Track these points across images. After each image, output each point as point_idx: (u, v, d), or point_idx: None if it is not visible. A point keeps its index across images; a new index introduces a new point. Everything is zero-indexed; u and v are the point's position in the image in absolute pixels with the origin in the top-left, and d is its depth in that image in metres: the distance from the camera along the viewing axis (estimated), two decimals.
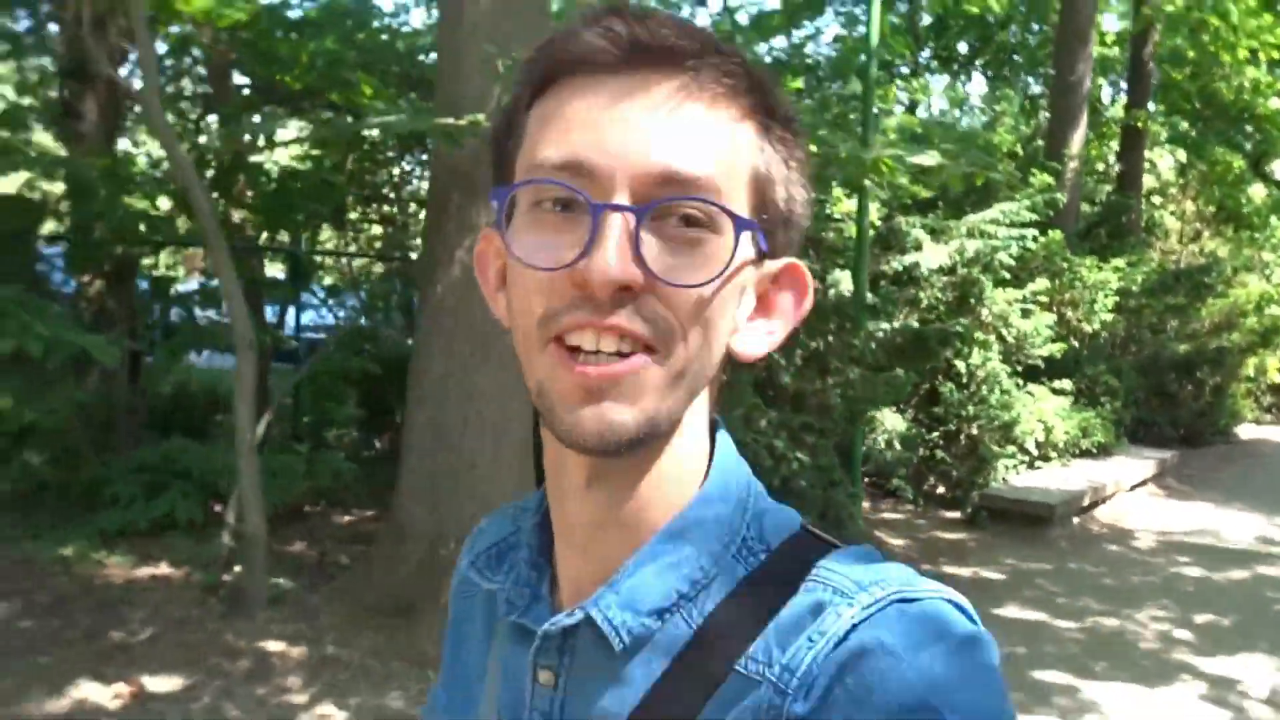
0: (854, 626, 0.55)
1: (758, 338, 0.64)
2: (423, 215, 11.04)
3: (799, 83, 8.70)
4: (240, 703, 3.54)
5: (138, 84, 8.17)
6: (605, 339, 0.56)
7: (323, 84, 7.06)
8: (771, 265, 0.64)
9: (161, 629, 4.07)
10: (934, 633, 0.55)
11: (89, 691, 3.54)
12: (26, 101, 6.91)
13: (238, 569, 4.56)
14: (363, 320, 8.86)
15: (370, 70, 7.56)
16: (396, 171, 9.71)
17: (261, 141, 5.48)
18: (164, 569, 4.84)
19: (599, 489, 0.62)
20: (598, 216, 0.55)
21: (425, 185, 10.45)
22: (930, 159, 3.59)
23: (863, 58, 13.88)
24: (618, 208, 0.56)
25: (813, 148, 3.91)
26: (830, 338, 5.45)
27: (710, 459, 0.65)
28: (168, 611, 4.25)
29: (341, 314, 8.81)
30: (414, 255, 9.79)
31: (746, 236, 0.59)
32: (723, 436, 0.67)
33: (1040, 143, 13.49)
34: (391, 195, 9.86)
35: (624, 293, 0.56)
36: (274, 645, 3.94)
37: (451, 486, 4.20)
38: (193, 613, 4.24)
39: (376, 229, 10.27)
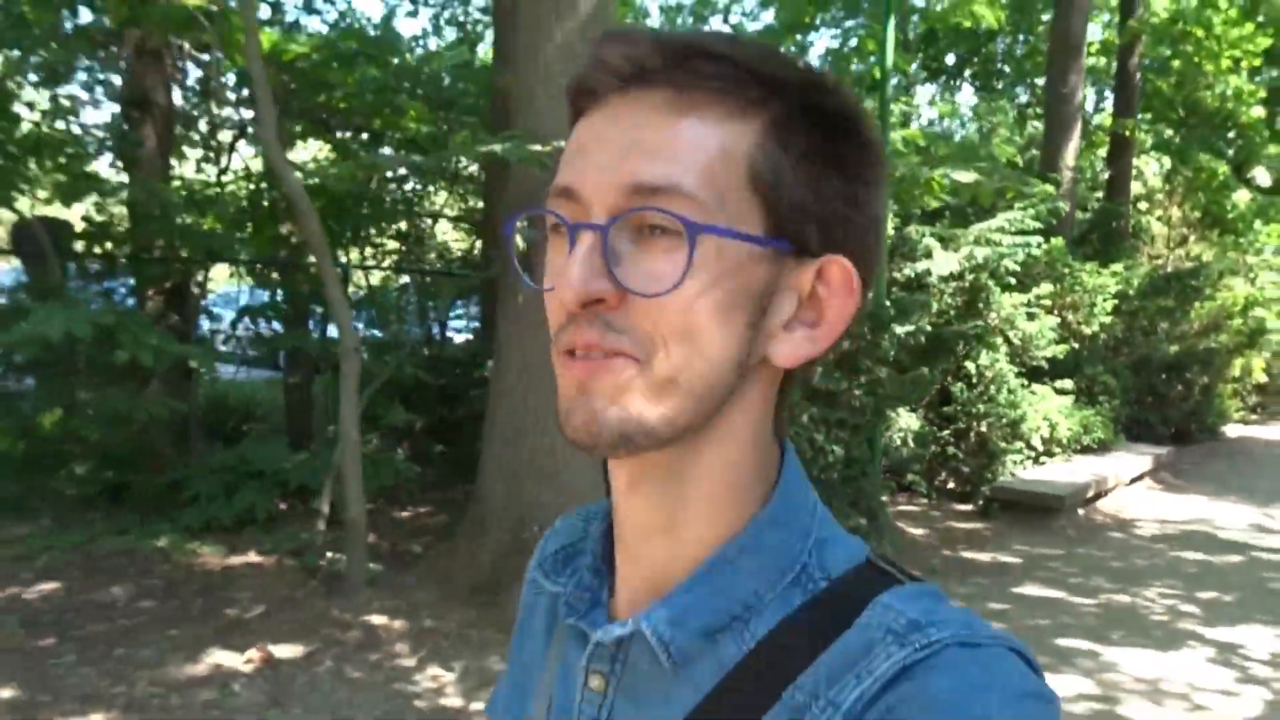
0: (904, 669, 0.54)
1: (795, 343, 0.62)
2: (438, 229, 11.59)
3: None
4: (358, 666, 3.96)
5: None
6: (591, 354, 0.58)
7: (369, 109, 7.48)
8: (812, 264, 0.62)
9: (272, 607, 4.48)
10: (990, 681, 0.53)
11: (222, 658, 3.95)
12: (97, 131, 7.26)
13: (329, 554, 4.98)
14: (377, 332, 9.15)
15: (405, 93, 8.01)
16: (409, 187, 10.13)
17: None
18: (254, 557, 5.24)
19: (639, 494, 0.64)
20: (573, 236, 0.58)
21: (438, 200, 11.02)
22: (968, 176, 4.02)
23: (857, 65, 14.44)
24: (587, 226, 0.58)
25: None
26: (860, 340, 5.90)
27: (776, 483, 0.65)
28: (273, 592, 4.66)
29: (360, 325, 9.18)
30: (427, 269, 10.28)
31: (723, 241, 0.58)
32: (791, 459, 0.67)
33: (1035, 152, 14.03)
34: (404, 210, 10.21)
35: (598, 306, 0.58)
36: (377, 619, 4.36)
37: (531, 474, 4.62)
38: (296, 593, 4.65)
39: (392, 244, 10.64)
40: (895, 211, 8.15)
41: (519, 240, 4.40)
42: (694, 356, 0.58)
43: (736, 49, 0.59)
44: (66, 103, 8.18)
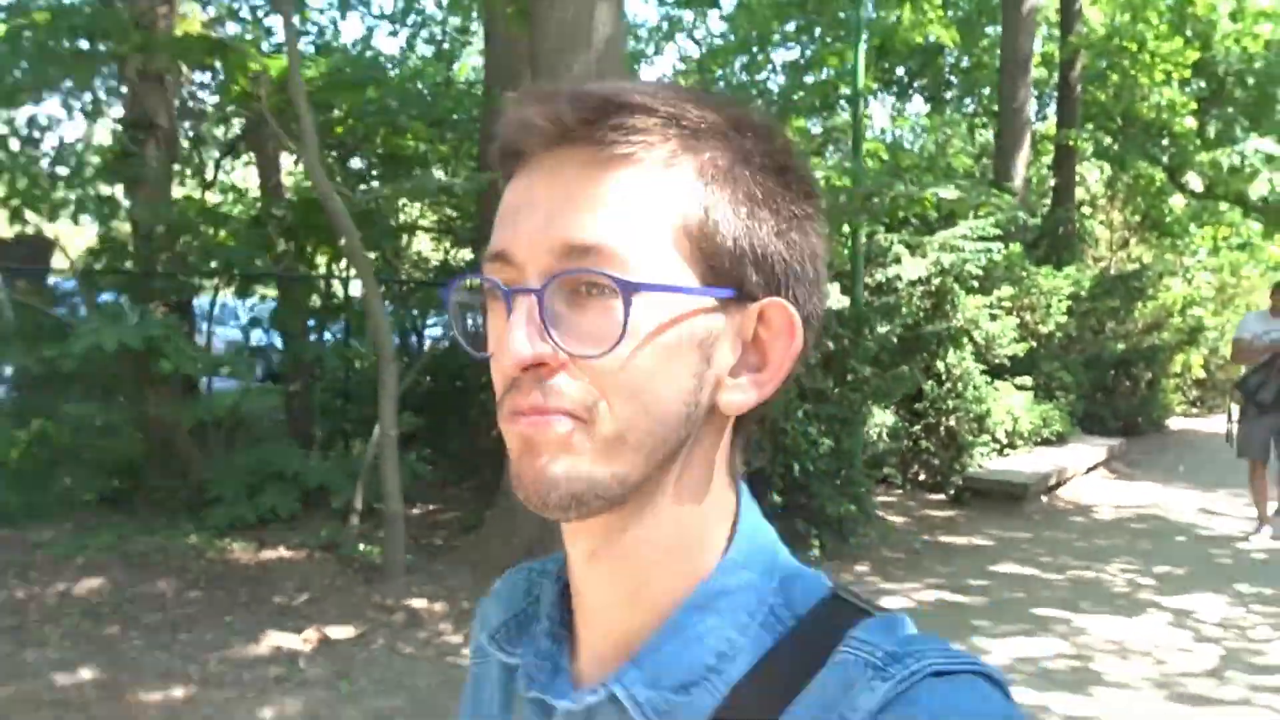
0: (887, 703, 0.54)
1: (742, 389, 0.61)
2: (416, 241, 11.93)
3: (803, 121, 9.62)
4: (409, 643, 4.30)
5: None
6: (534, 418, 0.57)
7: (369, 129, 7.80)
8: (752, 308, 0.61)
9: (317, 594, 4.79)
10: (969, 711, 0.53)
11: (280, 640, 4.26)
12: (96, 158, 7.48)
13: (361, 546, 5.31)
14: (353, 341, 9.33)
15: (402, 113, 8.34)
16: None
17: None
18: (285, 552, 5.54)
19: (600, 564, 0.63)
20: (509, 302, 0.57)
21: (414, 211, 11.34)
22: (952, 193, 4.47)
23: (809, 77, 15.01)
24: (523, 290, 0.57)
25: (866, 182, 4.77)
26: (845, 341, 6.36)
27: (734, 525, 0.64)
28: (314, 581, 4.97)
29: (337, 334, 9.41)
30: (411, 279, 10.59)
31: (659, 295, 0.57)
32: (747, 502, 0.66)
33: (987, 161, 14.70)
34: (398, 226, 10.49)
35: (540, 370, 0.57)
36: (418, 603, 4.70)
37: None
38: (336, 581, 4.97)
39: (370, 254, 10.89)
40: (868, 220, 8.64)
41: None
42: (639, 413, 0.57)
43: (657, 99, 0.58)
44: (45, 120, 8.40)
